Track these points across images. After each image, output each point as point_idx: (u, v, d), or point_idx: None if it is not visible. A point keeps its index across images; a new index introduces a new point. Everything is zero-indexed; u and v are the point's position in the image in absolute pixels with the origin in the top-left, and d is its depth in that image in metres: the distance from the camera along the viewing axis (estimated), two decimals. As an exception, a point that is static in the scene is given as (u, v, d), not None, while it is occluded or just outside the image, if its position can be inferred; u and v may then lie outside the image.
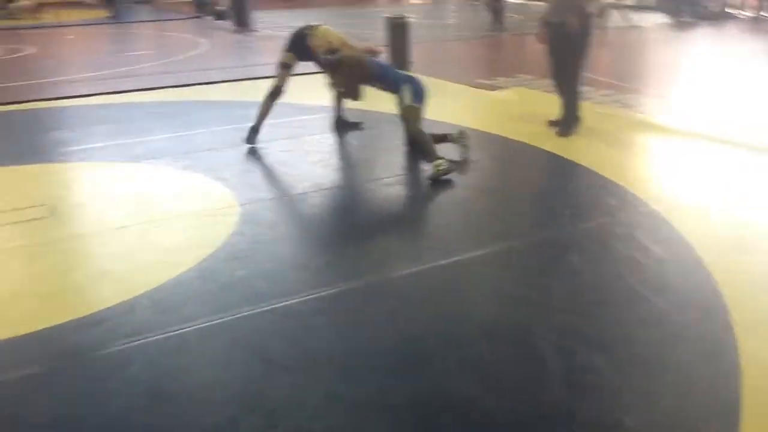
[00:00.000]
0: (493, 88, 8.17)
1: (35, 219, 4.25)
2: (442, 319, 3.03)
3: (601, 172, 4.90)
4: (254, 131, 5.90)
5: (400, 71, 5.80)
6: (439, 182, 4.76)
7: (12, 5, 20.02)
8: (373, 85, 5.44)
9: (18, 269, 3.62)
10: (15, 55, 12.04)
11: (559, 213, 4.25)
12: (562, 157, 5.32)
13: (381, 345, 2.83)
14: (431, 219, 4.18)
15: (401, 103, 5.25)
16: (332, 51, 5.48)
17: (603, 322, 3.00)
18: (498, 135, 6.00)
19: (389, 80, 5.36)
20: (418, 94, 5.27)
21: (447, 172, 4.79)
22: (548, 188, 4.91)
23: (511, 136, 5.92)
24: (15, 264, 3.67)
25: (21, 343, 2.87)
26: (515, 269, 3.60)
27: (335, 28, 5.99)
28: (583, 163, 5.14)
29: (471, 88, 8.14)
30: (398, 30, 9.72)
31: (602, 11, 14.17)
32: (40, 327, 2.98)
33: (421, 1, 24.88)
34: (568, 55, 5.82)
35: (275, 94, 5.89)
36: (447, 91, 8.14)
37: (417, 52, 10.23)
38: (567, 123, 5.99)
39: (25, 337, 2.91)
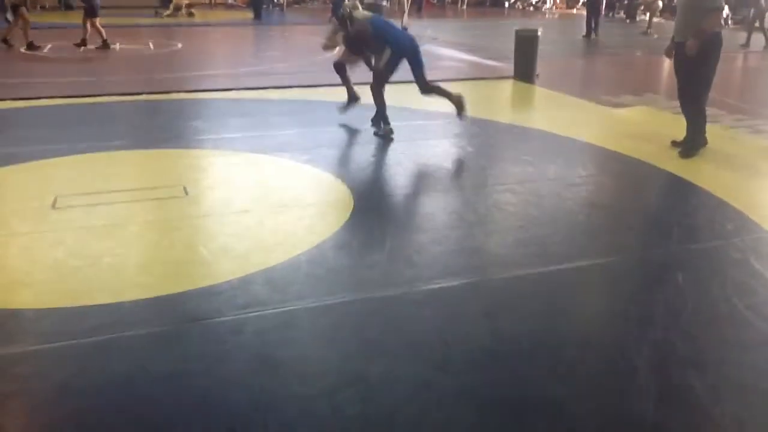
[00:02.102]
0: (617, 105, 8.02)
1: (171, 197, 4.67)
2: (538, 324, 3.09)
3: (720, 196, 4.75)
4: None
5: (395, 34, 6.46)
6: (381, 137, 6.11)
7: (172, 5, 21.66)
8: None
9: (153, 240, 4.01)
10: (166, 50, 13.04)
11: (670, 232, 4.17)
12: (681, 178, 5.19)
13: (476, 342, 2.93)
14: (538, 227, 4.22)
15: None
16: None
17: (702, 343, 2.96)
18: (616, 152, 5.92)
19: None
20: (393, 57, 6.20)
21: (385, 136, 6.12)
22: (662, 207, 4.82)
23: (630, 154, 5.82)
24: (151, 236, 4.07)
25: (150, 305, 3.20)
26: (618, 283, 3.60)
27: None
28: (703, 185, 4.99)
29: (595, 105, 8.03)
30: (526, 43, 9.74)
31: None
32: (168, 292, 3.31)
33: (558, 14, 24.54)
34: (691, 75, 5.67)
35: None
36: (569, 105, 8.09)
37: (545, 66, 10.19)
38: (689, 144, 5.82)
39: (154, 299, 3.25)
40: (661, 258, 3.83)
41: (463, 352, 2.85)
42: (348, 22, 6.40)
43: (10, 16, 14.84)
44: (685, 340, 2.95)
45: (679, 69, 5.80)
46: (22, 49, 12.22)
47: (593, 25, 16.40)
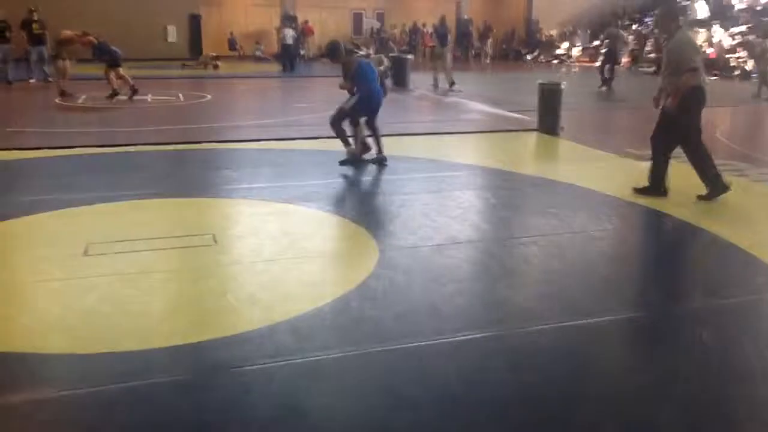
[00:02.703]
0: (642, 158, 8.02)
1: (200, 246, 4.75)
2: (562, 378, 3.07)
3: (749, 250, 4.71)
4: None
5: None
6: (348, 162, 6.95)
7: (201, 57, 22.37)
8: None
9: (181, 288, 4.07)
10: (195, 101, 13.38)
11: (697, 287, 4.15)
12: (708, 232, 5.16)
13: (501, 396, 2.92)
14: (561, 280, 4.21)
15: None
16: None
17: (732, 401, 2.91)
18: (641, 205, 5.92)
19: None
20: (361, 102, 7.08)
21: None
22: (689, 261, 4.79)
23: (655, 207, 5.82)
24: (179, 283, 4.14)
25: (177, 352, 3.24)
26: (643, 338, 3.57)
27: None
28: (731, 239, 4.96)
29: (619, 157, 8.06)
30: (550, 96, 9.85)
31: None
32: (195, 340, 3.35)
33: (578, 67, 24.80)
34: (672, 125, 5.99)
35: None
36: (594, 158, 8.12)
37: (569, 118, 10.27)
38: (647, 189, 6.15)
39: (181, 347, 3.29)
40: (688, 313, 3.79)
41: (489, 406, 2.83)
42: (347, 52, 7.55)
43: (47, 68, 15.44)
44: (714, 397, 2.90)
45: (661, 117, 6.14)
46: (57, 99, 12.62)
47: (608, 75, 16.55)
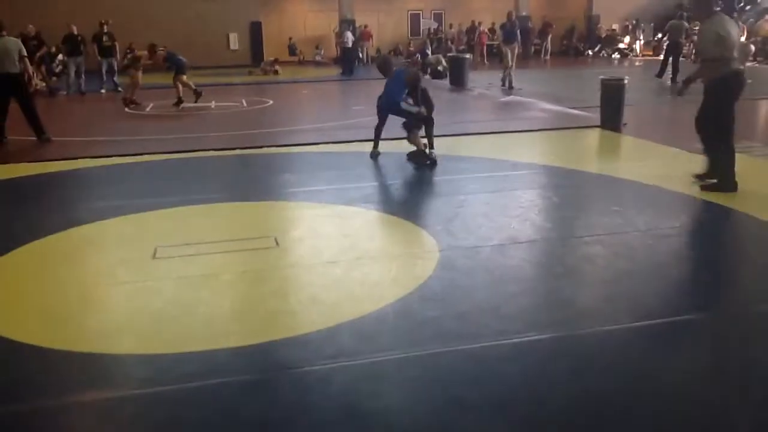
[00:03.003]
0: (710, 153, 7.74)
1: (263, 248, 4.83)
2: (629, 382, 2.99)
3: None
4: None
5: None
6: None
7: (262, 64, 22.81)
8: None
9: (245, 290, 4.16)
10: (258, 107, 13.64)
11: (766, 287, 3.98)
12: (784, 230, 4.95)
13: (565, 400, 2.86)
14: (628, 281, 4.11)
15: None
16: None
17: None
18: (709, 202, 5.71)
19: None
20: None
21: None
22: (761, 260, 4.58)
23: (724, 204, 5.61)
24: (243, 285, 4.22)
25: (241, 353, 3.31)
26: (714, 341, 3.44)
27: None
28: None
29: (686, 153, 7.80)
30: (612, 91, 9.63)
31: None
32: (258, 341, 3.41)
33: (643, 61, 24.16)
34: (707, 115, 6.00)
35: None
36: (658, 154, 7.90)
37: (632, 114, 10.03)
38: (715, 185, 5.97)
39: (245, 348, 3.35)
40: (762, 315, 3.64)
41: (553, 410, 2.79)
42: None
43: (117, 79, 16.05)
44: (792, 401, 2.78)
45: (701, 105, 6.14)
46: (126, 109, 13.07)
47: (672, 68, 16.04)
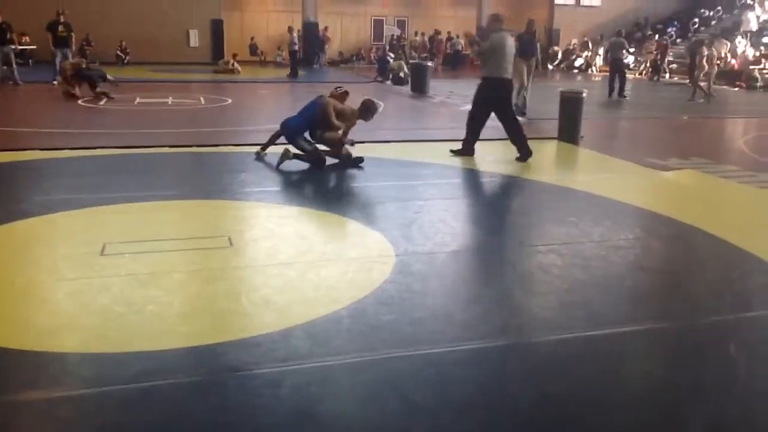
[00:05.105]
0: (664, 168, 7.92)
1: (216, 248, 4.73)
2: (584, 389, 3.00)
3: (774, 263, 4.61)
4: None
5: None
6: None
7: (220, 62, 22.52)
8: None
9: (196, 290, 4.05)
10: (216, 105, 13.44)
11: (722, 299, 4.05)
12: (732, 244, 5.05)
13: (521, 406, 2.85)
14: (584, 290, 4.14)
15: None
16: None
17: (758, 415, 2.82)
18: (664, 215, 5.82)
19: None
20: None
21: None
22: (713, 273, 4.67)
23: (678, 218, 5.71)
24: (194, 285, 4.11)
25: (190, 354, 3.21)
26: (667, 350, 3.49)
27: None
28: (755, 251, 4.85)
29: (641, 167, 7.95)
30: (571, 104, 9.76)
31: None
32: (208, 342, 3.31)
33: (600, 77, 24.65)
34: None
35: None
36: (615, 167, 8.03)
37: (589, 127, 10.18)
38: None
39: (194, 348, 3.25)
40: (713, 325, 3.70)
41: (508, 416, 2.77)
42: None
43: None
44: (739, 411, 2.82)
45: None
46: (80, 102, 12.73)
47: (617, 85, 16.38)
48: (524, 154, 8.03)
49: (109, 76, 13.75)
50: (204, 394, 2.88)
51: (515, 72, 11.28)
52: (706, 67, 16.44)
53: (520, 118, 8.94)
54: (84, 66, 13.82)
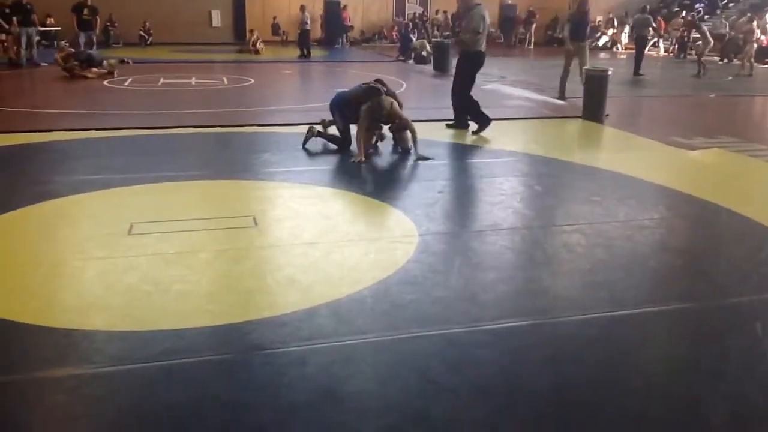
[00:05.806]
0: (690, 147, 7.81)
1: (241, 227, 4.77)
2: (603, 370, 3.00)
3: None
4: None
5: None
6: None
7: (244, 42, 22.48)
8: None
9: (222, 269, 4.09)
10: (238, 85, 13.47)
11: (747, 280, 4.01)
12: (759, 223, 4.98)
13: (541, 386, 2.86)
14: (607, 270, 4.12)
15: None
16: None
17: (782, 398, 2.80)
18: (689, 194, 5.75)
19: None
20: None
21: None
22: (738, 253, 4.62)
23: (704, 197, 5.64)
24: (220, 264, 4.16)
25: (216, 332, 3.26)
26: (690, 331, 3.46)
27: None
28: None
29: (666, 146, 7.85)
30: (596, 82, 9.63)
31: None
32: (234, 321, 3.36)
33: (626, 54, 24.26)
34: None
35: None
36: (640, 146, 7.93)
37: (614, 106, 10.05)
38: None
39: (220, 327, 3.30)
40: (738, 306, 3.67)
41: (529, 396, 2.78)
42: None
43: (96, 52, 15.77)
44: (762, 394, 2.80)
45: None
46: (105, 83, 12.82)
47: (635, 60, 16.34)
48: (460, 124, 8.65)
49: (114, 59, 14.37)
50: (230, 372, 2.93)
51: (566, 55, 11.56)
52: (712, 43, 16.43)
53: (561, 102, 9.94)
54: (74, 51, 14.23)
